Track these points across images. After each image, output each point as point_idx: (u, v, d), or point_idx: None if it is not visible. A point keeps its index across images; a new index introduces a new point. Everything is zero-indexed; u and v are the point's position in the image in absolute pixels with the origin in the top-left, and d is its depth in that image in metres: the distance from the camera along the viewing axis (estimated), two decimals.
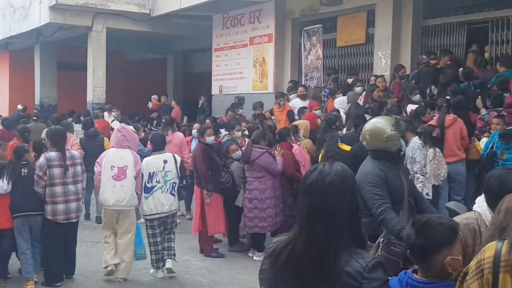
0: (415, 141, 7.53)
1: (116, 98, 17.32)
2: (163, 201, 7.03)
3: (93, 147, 9.75)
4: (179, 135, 10.38)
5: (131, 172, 6.77)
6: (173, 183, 7.12)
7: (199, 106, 16.21)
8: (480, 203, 2.97)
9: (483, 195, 2.99)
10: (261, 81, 14.34)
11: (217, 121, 11.84)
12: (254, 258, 7.78)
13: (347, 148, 7.67)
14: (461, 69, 9.41)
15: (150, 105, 17.10)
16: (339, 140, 7.93)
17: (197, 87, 17.91)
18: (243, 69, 14.89)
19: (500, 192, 2.75)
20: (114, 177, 6.76)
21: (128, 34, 17.15)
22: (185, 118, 15.96)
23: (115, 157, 6.81)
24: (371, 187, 4.29)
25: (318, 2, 12.85)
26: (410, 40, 10.94)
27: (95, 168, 6.93)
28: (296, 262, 2.19)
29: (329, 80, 12.01)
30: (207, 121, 11.09)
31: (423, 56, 10.05)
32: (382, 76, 10.52)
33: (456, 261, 2.55)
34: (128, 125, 11.06)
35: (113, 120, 13.83)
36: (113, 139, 7.05)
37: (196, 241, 8.39)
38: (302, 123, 9.65)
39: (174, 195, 7.13)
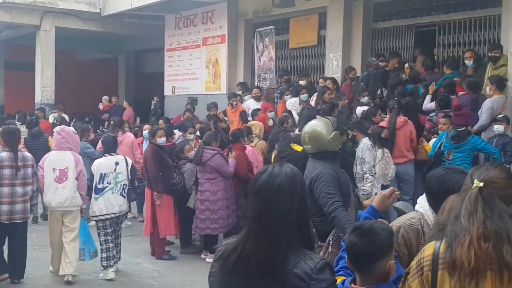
0: (365, 141, 7.65)
1: (65, 98, 16.93)
2: (113, 202, 7.12)
3: (37, 147, 9.61)
4: (129, 135, 10.25)
5: (72, 174, 6.87)
6: (124, 184, 7.22)
7: (152, 107, 16.03)
8: (422, 203, 2.99)
9: (424, 195, 3.02)
10: (214, 82, 14.31)
11: (171, 122, 11.73)
12: (207, 260, 7.74)
13: (299, 148, 7.70)
14: (406, 64, 9.65)
15: (101, 106, 16.80)
16: (291, 141, 7.98)
17: (150, 87, 17.70)
18: (196, 70, 14.82)
19: (441, 192, 2.79)
20: (56, 179, 6.84)
21: (78, 33, 16.79)
22: (138, 119, 15.76)
23: (56, 159, 6.89)
24: (324, 186, 4.39)
25: (270, 4, 12.92)
26: (361, 43, 11.11)
27: (38, 172, 6.89)
28: (245, 265, 2.19)
29: (282, 81, 12.09)
30: (161, 121, 10.98)
31: (372, 58, 10.22)
32: (331, 78, 10.63)
33: (394, 264, 2.65)
34: (77, 125, 10.94)
35: (54, 121, 13.44)
36: (54, 142, 7.16)
37: (147, 243, 8.30)
38: (256, 124, 9.67)
39: (124, 196, 7.24)
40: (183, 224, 8.35)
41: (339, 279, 2.75)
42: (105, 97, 16.73)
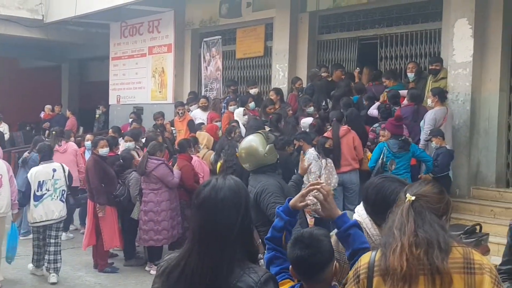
0: (311, 152, 7.72)
1: (7, 106, 16.42)
2: (53, 208, 7.32)
3: None
4: (73, 145, 10.03)
5: (6, 180, 6.94)
6: (63, 190, 7.44)
7: (97, 116, 15.72)
8: (360, 212, 3.01)
9: (362, 204, 3.04)
10: (160, 92, 14.18)
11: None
12: (151, 272, 7.60)
13: None
14: (357, 69, 9.87)
15: (42, 114, 16.35)
16: (237, 150, 7.96)
17: (94, 96, 17.41)
18: (142, 79, 14.66)
19: (378, 200, 2.83)
20: None
21: (20, 40, 16.32)
22: (81, 129, 15.42)
23: None
24: (271, 196, 4.40)
25: (217, 14, 12.95)
26: (306, 54, 11.25)
27: None
28: (189, 280, 2.15)
29: (229, 91, 12.08)
30: (110, 131, 10.78)
31: (316, 70, 10.36)
32: (274, 89, 10.68)
33: (338, 264, 2.72)
34: (18, 134, 10.61)
35: None
36: None
37: (90, 256, 8.09)
38: (204, 135, 9.61)
39: (63, 201, 7.46)
40: (127, 235, 8.18)
41: (286, 285, 2.75)
42: (47, 106, 16.31)
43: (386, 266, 2.19)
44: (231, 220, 2.20)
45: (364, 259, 2.31)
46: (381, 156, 7.47)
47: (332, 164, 7.80)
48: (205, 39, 13.53)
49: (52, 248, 7.27)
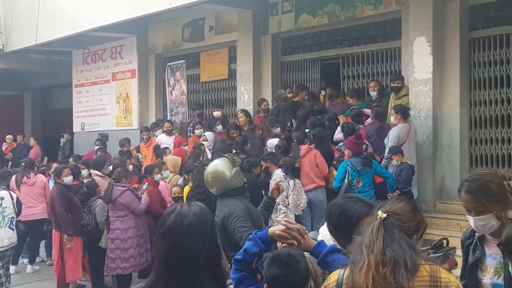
0: (278, 173, 7.72)
1: None
2: (2, 236, 7.29)
3: None
4: (42, 177, 9.75)
5: None
6: (11, 217, 7.42)
7: (61, 144, 15.46)
8: (324, 233, 3.02)
9: (325, 224, 3.04)
10: (125, 117, 14.07)
11: (83, 159, 11.33)
12: None
13: None
14: (322, 92, 10.07)
15: (4, 146, 15.96)
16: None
17: (58, 124, 17.13)
18: (106, 105, 14.53)
19: (341, 221, 2.83)
20: None
21: None
22: (45, 158, 15.13)
23: None
24: (237, 220, 4.37)
25: (180, 38, 12.97)
26: (270, 76, 11.33)
27: None
28: None
29: (194, 115, 12.04)
30: (71, 159, 10.60)
31: (282, 91, 10.44)
32: (244, 110, 10.72)
33: (312, 285, 2.75)
34: None
35: None
36: None
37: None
38: (171, 159, 9.54)
39: (13, 229, 7.42)
40: (95, 265, 8.02)
41: None
42: (8, 136, 15.88)
43: (353, 284, 2.20)
44: (198, 247, 2.18)
45: (333, 277, 2.33)
46: (346, 175, 7.53)
47: (301, 185, 7.82)
48: (169, 64, 13.51)
49: (3, 279, 7.18)
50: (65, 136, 15.28)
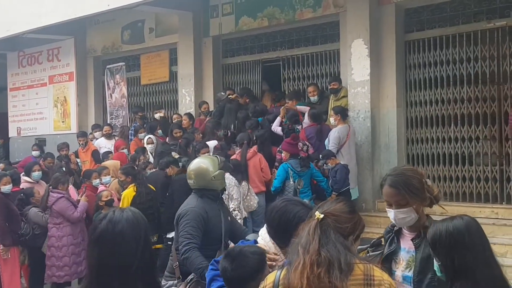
0: (229, 177, 7.57)
1: None
2: None
3: None
4: None
5: None
6: None
7: None
8: (263, 235, 3.01)
9: (265, 227, 3.04)
10: (63, 121, 13.72)
11: (19, 164, 10.96)
12: None
13: (152, 188, 7.66)
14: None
15: None
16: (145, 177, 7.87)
17: None
18: (43, 109, 14.14)
19: (281, 223, 2.86)
20: None
21: None
22: None
23: None
24: (187, 225, 4.31)
25: (120, 40, 12.76)
26: (212, 78, 11.29)
27: None
28: None
29: (136, 118, 11.85)
30: (1, 165, 10.24)
31: (222, 93, 10.42)
32: (187, 113, 10.65)
33: None
34: None
35: None
36: None
37: None
38: (111, 164, 9.34)
39: None
40: (34, 272, 7.76)
41: None
42: None
43: (289, 284, 2.23)
44: (130, 254, 2.13)
45: (270, 278, 2.37)
46: (289, 177, 7.57)
47: (249, 186, 7.79)
48: (108, 66, 13.27)
49: None
50: None
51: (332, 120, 8.50)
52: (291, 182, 7.61)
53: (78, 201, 7.63)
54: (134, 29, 12.46)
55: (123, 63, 12.98)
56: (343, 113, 8.39)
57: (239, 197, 7.50)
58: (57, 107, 13.80)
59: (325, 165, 7.92)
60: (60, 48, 13.59)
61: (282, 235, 2.83)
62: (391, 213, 2.95)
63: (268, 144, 8.63)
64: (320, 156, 7.98)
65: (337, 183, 7.75)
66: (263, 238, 3.00)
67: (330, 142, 8.16)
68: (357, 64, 8.77)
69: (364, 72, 8.69)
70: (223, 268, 2.81)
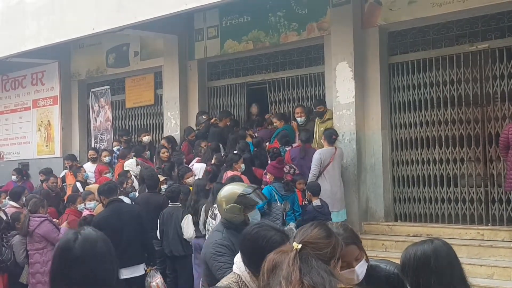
0: None
1: None
2: None
3: None
4: None
5: None
6: None
7: None
8: (238, 264, 2.94)
9: (239, 255, 2.97)
10: (47, 145, 13.60)
11: (1, 189, 10.83)
12: None
13: None
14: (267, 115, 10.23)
15: None
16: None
17: None
18: (27, 133, 14.02)
19: (254, 250, 2.79)
20: None
21: None
22: None
23: None
24: (217, 257, 4.03)
25: (104, 64, 12.74)
26: (197, 101, 11.27)
27: None
28: None
29: (122, 141, 11.69)
30: None
31: (202, 117, 10.42)
32: (166, 137, 10.56)
33: None
34: None
35: None
36: None
37: None
38: (94, 188, 9.22)
39: None
40: None
41: None
42: None
43: None
44: (110, 272, 2.16)
45: None
46: (273, 198, 7.53)
47: None
48: (92, 90, 13.23)
49: None
50: None
51: (322, 141, 8.51)
52: (279, 204, 7.55)
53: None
54: (119, 52, 12.45)
55: (108, 87, 12.95)
56: (329, 136, 8.36)
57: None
58: (41, 131, 13.69)
59: (304, 198, 7.87)
60: (44, 72, 13.54)
61: (256, 263, 2.68)
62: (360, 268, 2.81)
63: (250, 167, 8.57)
64: (307, 189, 7.91)
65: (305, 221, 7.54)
66: (238, 267, 2.91)
67: (312, 164, 8.15)
68: (342, 87, 8.81)
69: (349, 95, 8.73)
70: None
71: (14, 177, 11.52)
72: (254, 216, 4.30)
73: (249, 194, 4.33)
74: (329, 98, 9.17)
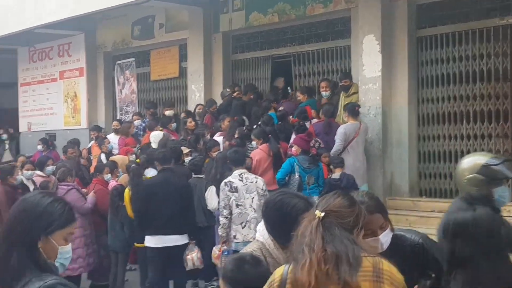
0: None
1: None
2: None
3: None
4: None
5: None
6: None
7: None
8: (262, 232, 2.89)
9: (262, 222, 2.92)
10: (73, 117, 13.75)
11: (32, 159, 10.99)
12: None
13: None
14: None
15: None
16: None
17: (3, 124, 16.58)
18: (54, 105, 14.18)
19: (278, 218, 2.75)
20: None
21: None
22: None
23: None
24: None
25: (130, 36, 12.76)
26: (222, 74, 11.25)
27: None
28: None
29: (147, 113, 11.71)
30: (21, 158, 10.28)
31: (227, 90, 10.38)
32: (186, 111, 10.58)
33: None
34: None
35: None
36: None
37: None
38: (119, 158, 9.34)
39: None
40: None
41: None
42: None
43: (297, 281, 2.23)
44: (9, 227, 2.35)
45: (278, 272, 2.36)
46: (295, 172, 7.50)
47: None
48: (118, 62, 13.28)
49: None
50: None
51: (344, 117, 8.43)
52: (296, 177, 7.53)
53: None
54: (144, 24, 12.45)
55: (133, 59, 12.98)
56: (351, 110, 8.27)
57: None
58: (67, 103, 13.84)
59: (330, 172, 7.84)
60: (71, 43, 13.61)
61: (280, 231, 2.72)
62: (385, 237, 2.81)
63: (276, 141, 8.54)
64: (332, 163, 7.87)
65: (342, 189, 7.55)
66: (262, 235, 2.88)
67: (336, 139, 8.06)
68: (368, 60, 8.69)
69: (376, 68, 8.61)
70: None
71: (39, 147, 11.67)
72: (502, 193, 3.45)
73: (495, 165, 3.51)
74: (355, 72, 9.06)
